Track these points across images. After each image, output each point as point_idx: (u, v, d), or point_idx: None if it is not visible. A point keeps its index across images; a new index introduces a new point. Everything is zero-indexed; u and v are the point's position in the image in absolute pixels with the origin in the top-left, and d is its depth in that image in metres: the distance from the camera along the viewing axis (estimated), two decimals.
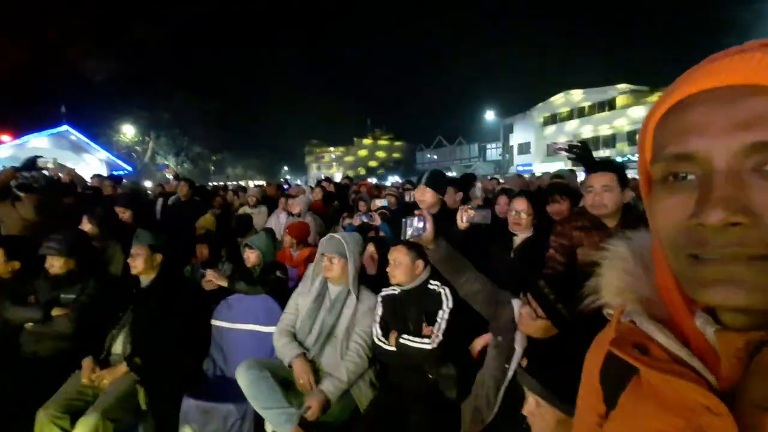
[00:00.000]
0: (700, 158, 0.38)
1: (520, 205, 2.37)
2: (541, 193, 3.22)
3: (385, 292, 2.27)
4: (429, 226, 1.74)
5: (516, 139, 36.79)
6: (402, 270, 2.11)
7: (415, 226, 1.74)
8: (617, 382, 0.53)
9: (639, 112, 25.75)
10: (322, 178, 7.71)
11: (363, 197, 5.11)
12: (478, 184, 4.25)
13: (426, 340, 1.97)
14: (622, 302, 0.52)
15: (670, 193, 0.40)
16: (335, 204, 5.52)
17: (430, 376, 2.00)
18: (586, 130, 29.66)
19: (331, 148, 67.38)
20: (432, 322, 2.02)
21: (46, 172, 3.77)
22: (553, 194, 2.72)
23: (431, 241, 1.78)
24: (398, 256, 2.13)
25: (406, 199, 4.01)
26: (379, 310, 2.23)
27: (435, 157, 50.94)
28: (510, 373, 1.55)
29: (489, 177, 7.04)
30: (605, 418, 0.55)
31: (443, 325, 1.99)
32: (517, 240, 2.41)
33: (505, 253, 2.40)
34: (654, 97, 25.55)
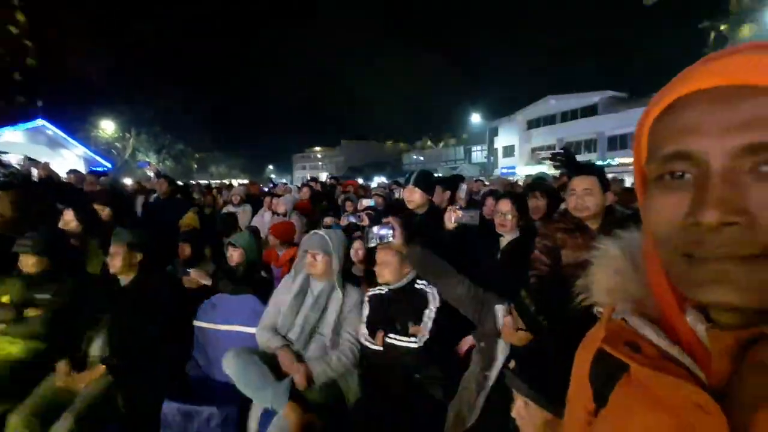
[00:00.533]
0: (696, 157, 0.38)
1: (506, 206, 2.40)
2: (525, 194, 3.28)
3: (372, 291, 2.27)
4: (398, 233, 1.76)
5: (501, 142, 37.29)
6: (390, 269, 2.12)
7: (377, 234, 1.76)
8: (607, 380, 0.52)
9: (619, 118, 26.43)
10: (308, 178, 7.67)
11: (350, 197, 5.09)
12: (463, 186, 4.29)
13: (413, 339, 1.98)
14: (612, 301, 0.52)
15: (666, 192, 0.41)
16: (323, 204, 5.49)
17: (417, 376, 2.00)
18: (569, 134, 30.26)
19: (318, 148, 67.03)
20: (419, 321, 2.03)
21: (18, 167, 3.64)
22: (532, 191, 2.80)
23: (402, 247, 1.79)
24: (386, 256, 2.13)
25: (395, 198, 4.03)
26: (366, 311, 2.22)
27: (422, 158, 51.25)
28: (491, 381, 1.56)
29: (474, 179, 7.11)
30: (595, 416, 0.55)
31: (430, 325, 1.99)
32: (504, 241, 2.43)
33: (492, 254, 2.42)
34: (634, 104, 26.30)
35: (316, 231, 2.44)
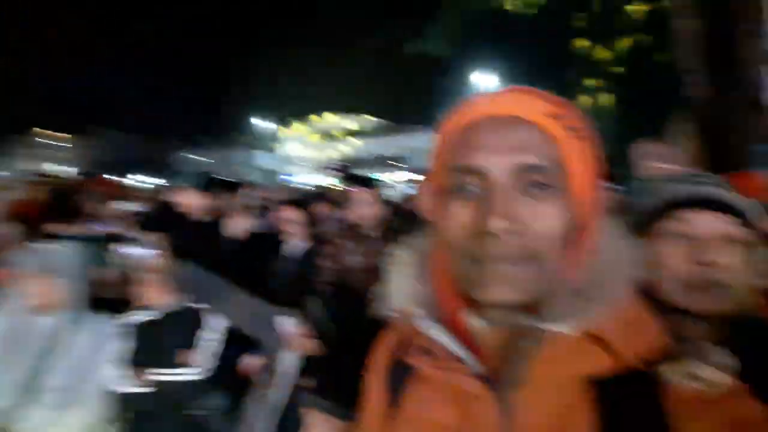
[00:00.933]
0: (483, 173, 0.45)
1: (293, 214, 2.40)
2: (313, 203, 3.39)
3: (131, 319, 1.81)
4: (163, 249, 1.45)
5: (289, 149, 37.81)
6: (154, 290, 1.74)
7: (136, 251, 1.37)
8: (401, 384, 0.55)
9: (391, 141, 31.26)
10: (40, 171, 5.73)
11: (99, 198, 4.04)
12: (252, 191, 4.08)
13: (190, 370, 1.68)
14: (408, 306, 0.54)
15: (458, 203, 0.46)
16: (72, 204, 4.13)
17: (195, 412, 1.71)
18: (354, 150, 33.50)
19: (59, 135, 50.93)
20: (197, 348, 1.74)
21: None
22: (315, 199, 3.01)
23: (167, 265, 1.48)
24: (149, 275, 1.73)
25: (167, 202, 3.42)
26: (123, 344, 1.75)
27: (200, 158, 46.53)
28: (279, 398, 1.49)
29: (262, 185, 6.89)
30: (391, 419, 0.56)
31: (211, 350, 1.74)
32: (292, 250, 2.41)
33: (281, 263, 2.35)
34: (396, 130, 31.59)
35: (34, 246, 1.79)
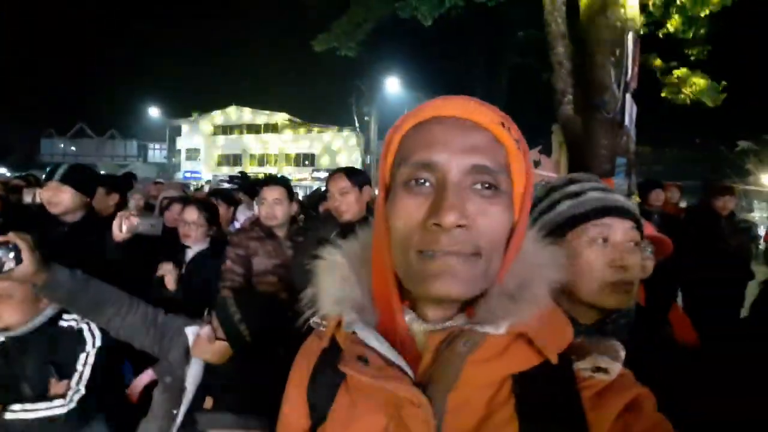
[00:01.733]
0: (439, 168, 0.46)
1: (191, 214, 2.19)
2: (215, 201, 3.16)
3: None
4: (26, 255, 1.16)
5: (184, 143, 34.64)
6: (11, 308, 1.39)
7: None
8: (327, 394, 0.53)
9: (297, 139, 30.50)
10: None
11: None
12: (144, 188, 3.63)
13: (57, 403, 1.38)
14: (339, 311, 0.52)
15: (411, 196, 0.47)
16: None
17: None
18: (255, 146, 31.87)
19: None
20: (67, 373, 1.45)
21: None
22: (217, 197, 2.87)
23: (35, 275, 1.21)
24: (5, 289, 1.36)
25: (26, 200, 2.85)
26: None
27: (73, 148, 40.08)
28: (179, 419, 1.31)
29: (153, 181, 6.14)
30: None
31: (86, 373, 1.45)
32: (190, 253, 2.20)
33: (179, 267, 2.13)
34: (308, 129, 30.99)
35: None
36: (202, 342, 1.32)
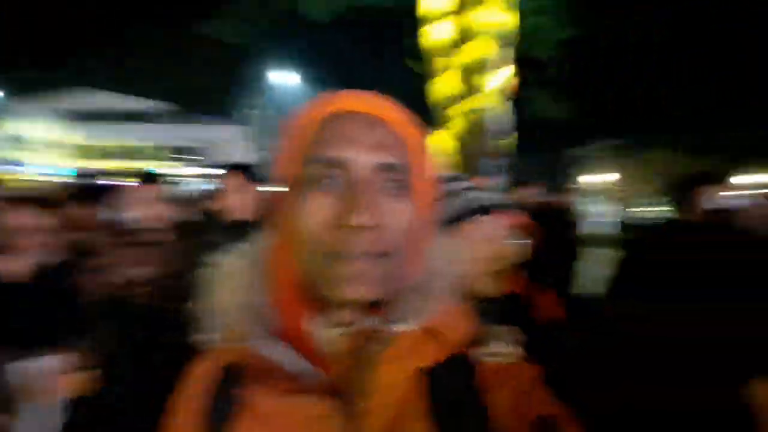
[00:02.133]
0: (347, 166, 0.45)
1: (28, 218, 1.79)
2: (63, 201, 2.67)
3: None
4: None
5: (25, 128, 28.60)
6: None
7: None
8: (223, 420, 0.47)
9: (183, 130, 27.50)
10: None
11: None
12: None
13: None
14: (236, 323, 0.48)
15: (320, 195, 0.45)
16: None
17: None
18: (130, 137, 27.81)
19: None
20: None
21: None
22: (66, 196, 2.45)
23: None
24: None
25: None
26: None
27: None
28: None
29: None
30: None
31: None
32: (35, 266, 1.79)
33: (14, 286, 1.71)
34: (189, 119, 28.15)
35: None
36: (53, 378, 1.09)
